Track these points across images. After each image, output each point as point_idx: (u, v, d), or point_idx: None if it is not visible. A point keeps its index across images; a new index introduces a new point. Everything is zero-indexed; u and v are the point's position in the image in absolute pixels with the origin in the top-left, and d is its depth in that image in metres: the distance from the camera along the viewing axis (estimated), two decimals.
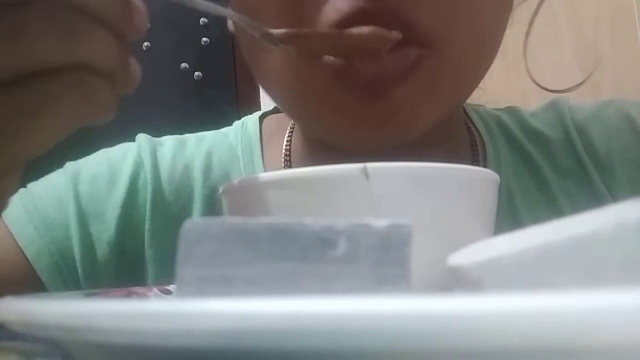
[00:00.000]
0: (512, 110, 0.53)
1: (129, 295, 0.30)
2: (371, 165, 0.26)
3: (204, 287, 0.17)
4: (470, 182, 0.28)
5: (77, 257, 0.45)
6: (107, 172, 0.47)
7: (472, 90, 0.42)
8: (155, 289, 0.32)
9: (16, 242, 0.44)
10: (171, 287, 0.32)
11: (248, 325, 0.12)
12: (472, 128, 0.50)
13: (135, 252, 0.46)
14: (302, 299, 0.12)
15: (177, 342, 0.13)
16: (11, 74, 0.24)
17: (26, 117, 0.24)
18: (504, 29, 0.41)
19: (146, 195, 0.47)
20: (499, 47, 0.42)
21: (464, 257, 0.21)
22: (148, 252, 0.46)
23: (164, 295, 0.31)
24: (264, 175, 0.28)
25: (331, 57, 0.35)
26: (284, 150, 0.48)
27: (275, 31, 0.32)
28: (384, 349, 0.12)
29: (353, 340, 0.12)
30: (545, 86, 0.52)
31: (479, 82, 0.42)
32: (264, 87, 0.42)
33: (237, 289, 0.17)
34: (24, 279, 0.43)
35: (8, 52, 0.23)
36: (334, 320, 0.12)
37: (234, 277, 0.17)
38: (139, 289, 0.31)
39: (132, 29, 0.26)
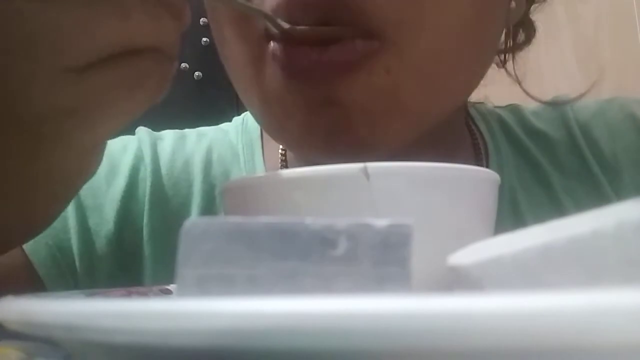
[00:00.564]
0: (514, 109, 0.53)
1: (129, 295, 0.30)
2: (371, 165, 0.26)
3: (204, 287, 0.17)
4: (470, 182, 0.28)
5: (75, 250, 0.44)
6: (106, 165, 0.47)
7: (454, 104, 0.39)
8: (155, 289, 0.32)
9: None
10: (171, 287, 0.32)
11: (248, 324, 0.12)
12: (473, 127, 0.50)
13: (134, 246, 0.46)
14: (302, 298, 0.12)
15: (177, 342, 0.13)
16: (113, 52, 0.25)
17: (127, 90, 0.26)
18: (494, 37, 0.39)
19: (145, 189, 0.46)
20: (491, 57, 0.39)
21: (464, 257, 0.21)
22: (146, 246, 0.46)
23: (164, 295, 0.31)
24: (264, 175, 0.28)
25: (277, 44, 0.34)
26: (280, 149, 0.48)
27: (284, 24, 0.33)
28: (384, 349, 0.12)
29: (353, 340, 0.12)
30: (545, 86, 0.52)
31: (463, 95, 0.40)
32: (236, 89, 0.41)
33: (237, 288, 0.17)
34: (21, 273, 0.43)
35: (111, 31, 0.24)
36: (334, 320, 0.12)
37: (234, 276, 0.17)
38: (139, 289, 0.31)
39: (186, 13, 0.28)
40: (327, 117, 0.34)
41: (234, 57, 0.38)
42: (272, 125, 0.39)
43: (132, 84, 0.26)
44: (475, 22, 0.35)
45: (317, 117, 0.34)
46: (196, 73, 1.58)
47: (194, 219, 0.18)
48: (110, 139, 0.29)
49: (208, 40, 1.60)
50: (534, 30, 0.49)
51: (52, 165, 0.27)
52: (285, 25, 0.32)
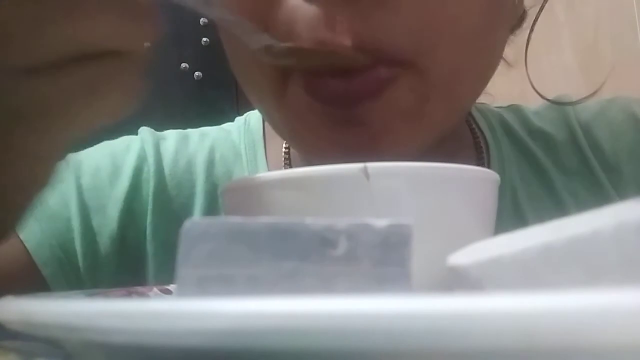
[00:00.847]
0: (515, 109, 0.53)
1: (129, 295, 0.30)
2: (371, 165, 0.26)
3: (204, 287, 0.17)
4: (470, 182, 0.28)
5: (79, 250, 0.44)
6: (109, 165, 0.47)
7: (468, 108, 0.40)
8: (155, 289, 0.32)
9: (17, 235, 0.43)
10: (171, 287, 0.32)
11: (248, 324, 0.12)
12: (475, 127, 0.50)
13: (137, 246, 0.46)
14: (302, 298, 0.12)
15: (177, 342, 0.13)
16: (67, 54, 0.23)
17: (81, 96, 0.24)
18: (502, 40, 0.40)
19: (149, 189, 0.46)
20: (499, 59, 0.40)
21: (464, 257, 0.21)
22: (149, 246, 0.46)
23: (164, 295, 0.31)
24: (264, 175, 0.28)
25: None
26: (284, 149, 0.48)
27: (280, 44, 0.32)
28: (384, 349, 0.12)
29: (353, 340, 0.12)
30: (545, 86, 0.52)
31: (475, 98, 0.41)
32: (249, 98, 0.42)
33: (237, 288, 0.17)
34: (24, 272, 0.43)
35: (62, 31, 0.22)
36: (334, 320, 0.12)
37: (234, 276, 0.17)
38: (139, 289, 0.31)
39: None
40: (352, 134, 0.35)
41: (253, 75, 0.38)
42: (298, 142, 0.40)
43: (87, 91, 0.24)
44: (485, 31, 0.37)
45: (341, 134, 0.35)
46: (196, 73, 1.58)
47: (194, 219, 0.18)
48: (72, 151, 0.28)
49: (208, 40, 1.60)
50: (525, 13, 0.48)
51: (2, 173, 0.26)
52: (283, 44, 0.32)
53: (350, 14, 0.32)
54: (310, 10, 0.32)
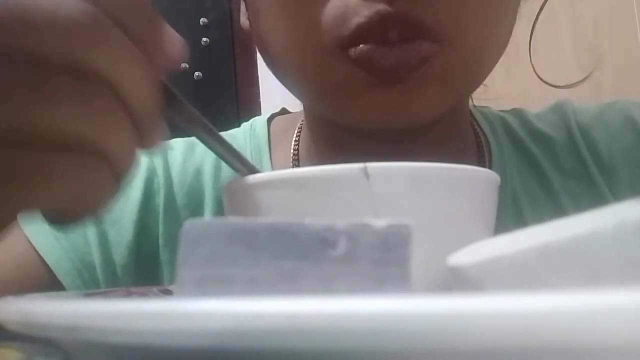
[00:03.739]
0: (517, 112, 0.54)
1: (128, 295, 0.30)
2: (371, 165, 0.26)
3: (204, 287, 0.17)
4: (470, 182, 0.28)
5: (97, 262, 0.46)
6: None
7: (482, 80, 0.44)
8: (155, 289, 0.32)
9: (37, 252, 0.44)
10: (171, 287, 0.32)
11: (248, 325, 0.12)
12: (478, 129, 0.51)
13: (152, 255, 0.47)
14: (302, 299, 0.12)
15: (177, 342, 0.13)
16: (14, 137, 0.21)
17: (18, 179, 0.21)
18: (513, 21, 0.43)
19: (160, 199, 0.48)
20: (509, 38, 0.43)
21: (464, 257, 0.21)
22: (163, 255, 0.47)
23: (164, 295, 0.31)
24: (264, 175, 0.28)
25: (363, 46, 0.38)
26: (292, 151, 0.49)
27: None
28: (383, 349, 0.12)
29: (353, 340, 0.12)
30: (544, 86, 0.52)
31: (490, 71, 0.44)
32: (273, 70, 0.44)
33: (237, 289, 0.17)
34: (46, 288, 0.44)
35: (27, 115, 0.20)
36: (334, 320, 0.12)
37: (233, 277, 0.17)
38: (139, 289, 0.31)
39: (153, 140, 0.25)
40: (394, 95, 0.39)
41: (300, 58, 0.40)
42: (334, 109, 0.42)
43: (28, 180, 0.21)
44: (504, 17, 0.41)
45: (384, 95, 0.39)
46: (196, 73, 1.58)
47: (193, 220, 0.18)
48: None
49: (208, 40, 1.60)
50: None
51: None
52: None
53: None
54: None
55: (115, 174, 0.23)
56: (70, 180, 0.22)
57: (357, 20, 0.37)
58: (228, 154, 0.30)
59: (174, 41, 0.25)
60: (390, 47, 0.37)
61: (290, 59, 0.42)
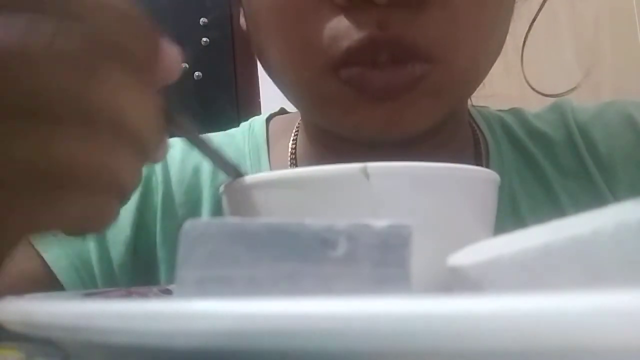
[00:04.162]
0: (515, 112, 0.54)
1: (128, 295, 0.30)
2: (371, 165, 0.26)
3: (204, 288, 0.17)
4: (470, 182, 0.28)
5: (94, 259, 0.46)
6: None
7: (477, 86, 0.44)
8: (155, 289, 0.32)
9: (35, 249, 0.45)
10: (171, 287, 0.32)
11: (248, 325, 0.12)
12: (476, 129, 0.51)
13: (149, 253, 0.47)
14: (302, 299, 0.12)
15: (176, 343, 0.13)
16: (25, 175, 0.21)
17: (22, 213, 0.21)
18: (507, 28, 0.43)
19: (157, 197, 0.48)
20: (503, 43, 0.43)
21: (464, 257, 0.21)
22: (160, 253, 0.47)
23: (164, 295, 0.31)
24: (264, 175, 0.28)
25: (353, 69, 0.38)
26: (290, 151, 0.49)
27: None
28: (384, 349, 0.12)
29: (353, 341, 0.12)
30: (545, 86, 0.52)
31: (485, 77, 0.44)
32: (269, 75, 0.44)
33: (237, 289, 0.17)
34: (44, 284, 0.44)
35: (40, 157, 0.20)
36: (334, 320, 0.12)
37: (233, 277, 0.17)
38: (139, 289, 0.31)
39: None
40: (384, 110, 0.39)
41: (293, 75, 0.41)
42: (327, 121, 0.43)
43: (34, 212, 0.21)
44: (496, 30, 0.41)
45: (375, 112, 0.39)
46: (196, 73, 1.58)
47: (193, 220, 0.18)
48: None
49: (208, 40, 1.60)
50: None
51: None
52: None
53: (392, 17, 0.36)
54: (359, 12, 0.37)
55: (122, 195, 0.24)
56: (79, 208, 0.22)
57: (347, 43, 0.37)
58: (225, 167, 0.30)
59: (173, 58, 0.25)
60: (381, 69, 0.37)
61: (284, 73, 0.42)
